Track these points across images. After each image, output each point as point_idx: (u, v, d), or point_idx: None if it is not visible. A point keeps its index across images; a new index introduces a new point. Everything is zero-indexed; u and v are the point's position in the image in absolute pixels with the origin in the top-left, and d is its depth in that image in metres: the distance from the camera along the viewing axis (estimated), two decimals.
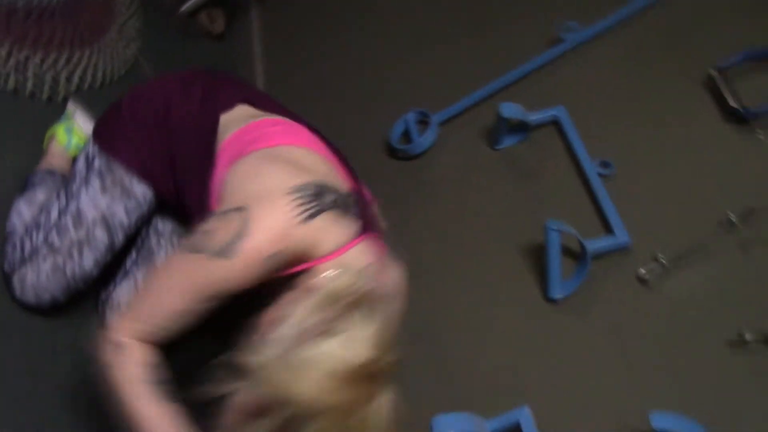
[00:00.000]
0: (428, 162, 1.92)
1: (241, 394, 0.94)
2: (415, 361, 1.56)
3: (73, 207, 1.26)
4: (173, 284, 1.02)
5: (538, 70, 1.87)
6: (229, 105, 1.23)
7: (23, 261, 1.30)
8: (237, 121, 1.20)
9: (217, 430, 0.98)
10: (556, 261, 1.47)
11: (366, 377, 0.93)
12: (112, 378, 1.02)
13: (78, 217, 1.25)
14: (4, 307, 1.31)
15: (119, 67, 1.91)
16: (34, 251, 1.29)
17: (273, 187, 1.03)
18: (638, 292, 1.43)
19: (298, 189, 1.02)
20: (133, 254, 1.42)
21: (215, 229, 1.00)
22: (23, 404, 1.25)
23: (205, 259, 0.98)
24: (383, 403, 0.97)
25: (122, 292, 1.40)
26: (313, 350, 0.93)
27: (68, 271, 1.28)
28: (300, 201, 1.01)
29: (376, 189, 1.80)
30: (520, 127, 1.78)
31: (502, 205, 1.71)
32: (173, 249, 1.44)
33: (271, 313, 1.05)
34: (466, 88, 1.93)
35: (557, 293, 1.49)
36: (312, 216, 1.01)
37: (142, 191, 1.26)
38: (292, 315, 0.96)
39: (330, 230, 1.04)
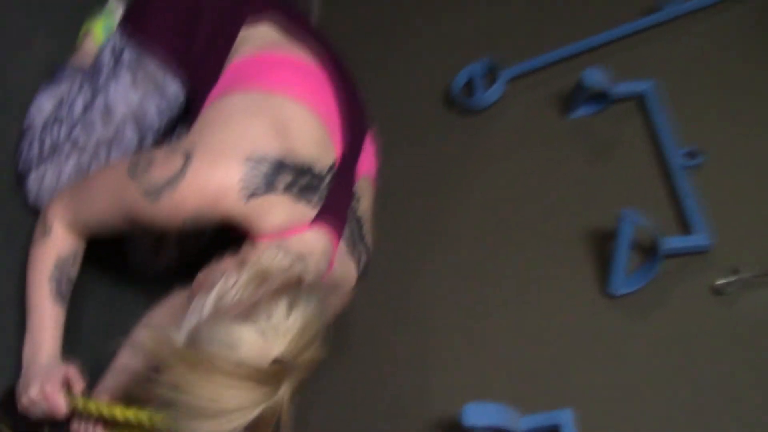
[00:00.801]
0: (488, 121, 1.75)
1: (138, 352, 0.94)
2: (449, 342, 1.44)
3: (100, 101, 1.16)
4: (104, 192, 1.02)
5: (630, 37, 1.68)
6: (256, 18, 1.14)
7: (42, 159, 1.17)
8: (253, 42, 1.12)
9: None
10: (624, 255, 1.32)
11: (269, 379, 0.82)
12: (30, 253, 1.06)
13: (107, 113, 1.15)
14: (15, 212, 1.18)
15: None
16: (56, 148, 1.17)
17: (231, 144, 0.96)
18: (712, 304, 1.27)
19: (255, 160, 0.95)
20: None
21: (156, 163, 0.96)
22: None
23: (134, 190, 0.96)
24: (278, 409, 0.85)
25: None
26: (223, 333, 0.83)
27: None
28: (250, 174, 0.94)
29: (424, 140, 1.65)
30: (600, 98, 1.60)
31: (566, 182, 1.55)
32: None
33: (205, 274, 1.00)
34: (544, 44, 1.75)
35: (618, 289, 1.34)
36: (251, 196, 0.95)
37: (174, 90, 1.17)
38: (215, 286, 0.89)
39: (272, 212, 0.97)
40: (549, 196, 1.55)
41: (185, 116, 1.26)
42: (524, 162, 1.63)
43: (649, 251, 1.35)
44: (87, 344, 1.28)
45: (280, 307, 0.85)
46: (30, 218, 1.20)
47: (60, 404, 0.97)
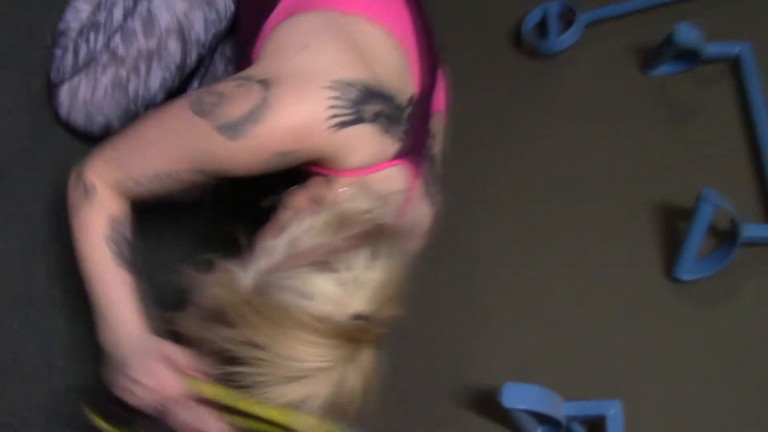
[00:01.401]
0: (558, 68, 1.59)
1: (206, 301, 0.77)
2: (494, 312, 1.34)
3: (142, 8, 1.05)
4: (163, 141, 0.85)
5: None
6: None
7: (77, 69, 1.08)
8: None
9: (172, 322, 0.81)
10: (698, 237, 1.20)
11: (351, 335, 0.74)
12: (74, 222, 0.89)
13: (149, 22, 1.05)
14: (44, 127, 1.09)
15: None
16: (92, 58, 1.08)
17: (315, 70, 0.83)
18: None
19: (341, 86, 0.83)
20: (195, 83, 1.22)
21: (231, 96, 0.82)
22: (45, 245, 1.06)
23: (208, 128, 0.81)
24: (362, 371, 0.77)
25: None
26: (298, 281, 0.74)
27: (131, 89, 1.07)
28: (337, 102, 0.82)
29: (485, 80, 1.52)
30: (687, 56, 1.44)
31: (640, 147, 1.41)
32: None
33: (274, 219, 0.89)
34: None
35: (686, 274, 1.23)
36: (342, 125, 0.83)
37: (225, 1, 1.08)
38: (289, 228, 0.79)
39: (360, 145, 0.86)
40: (618, 160, 1.42)
41: (230, 33, 1.15)
42: (594, 118, 1.49)
43: (724, 236, 1.23)
44: None
45: (361, 256, 0.76)
46: (61, 133, 1.11)
47: (173, 385, 0.79)
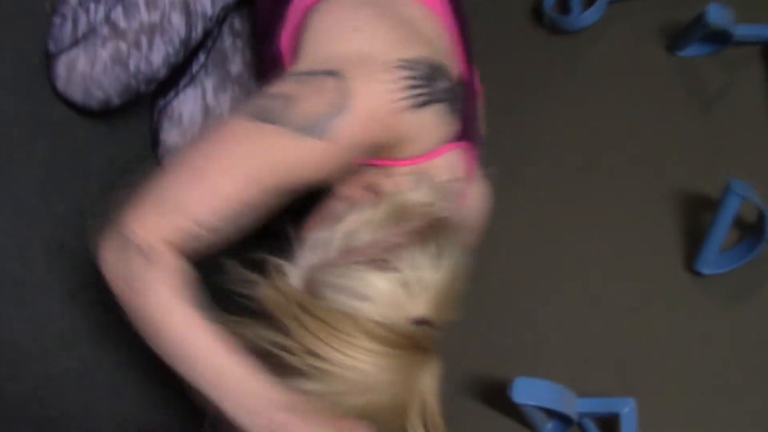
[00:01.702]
0: (580, 45, 1.52)
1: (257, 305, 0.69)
2: (505, 299, 1.29)
3: None
4: (229, 163, 0.71)
5: None
6: None
7: (75, 41, 1.02)
8: None
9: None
10: (722, 230, 1.15)
11: (415, 342, 0.68)
12: (137, 301, 0.68)
13: None
14: (40, 99, 1.03)
15: None
16: (91, 30, 1.01)
17: (374, 52, 0.76)
18: None
19: (409, 64, 0.75)
20: (201, 57, 1.15)
21: (301, 95, 0.72)
22: (40, 221, 1.01)
23: (287, 133, 0.70)
24: (428, 384, 0.70)
25: (186, 101, 1.15)
26: (356, 280, 0.67)
27: (131, 64, 1.00)
28: (409, 82, 0.75)
29: (503, 56, 1.46)
30: (717, 37, 1.37)
31: (664, 131, 1.35)
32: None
33: (324, 208, 0.82)
34: None
35: (708, 267, 1.18)
36: (422, 105, 0.75)
37: None
38: (344, 219, 0.73)
39: (431, 126, 0.78)
40: (641, 144, 1.35)
41: (239, 6, 1.10)
42: (616, 99, 1.43)
43: (750, 229, 1.18)
44: None
45: (424, 254, 0.70)
46: (58, 104, 1.06)
47: None
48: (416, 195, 0.76)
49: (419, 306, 0.68)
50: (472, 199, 0.94)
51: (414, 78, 0.75)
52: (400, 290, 0.68)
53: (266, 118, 0.71)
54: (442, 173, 0.83)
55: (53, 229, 1.02)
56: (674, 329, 1.17)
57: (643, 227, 1.27)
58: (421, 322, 0.68)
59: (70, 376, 1.02)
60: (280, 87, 0.74)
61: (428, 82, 0.77)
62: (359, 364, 0.65)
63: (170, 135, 1.12)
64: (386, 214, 0.73)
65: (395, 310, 0.67)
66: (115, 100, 1.04)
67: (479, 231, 0.99)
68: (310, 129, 0.70)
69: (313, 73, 0.75)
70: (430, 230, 0.71)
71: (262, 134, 0.71)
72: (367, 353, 0.65)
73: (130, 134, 1.16)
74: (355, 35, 0.78)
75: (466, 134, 0.86)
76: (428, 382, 0.70)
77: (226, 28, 1.16)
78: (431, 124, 0.79)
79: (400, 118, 0.75)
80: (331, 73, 0.74)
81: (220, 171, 0.70)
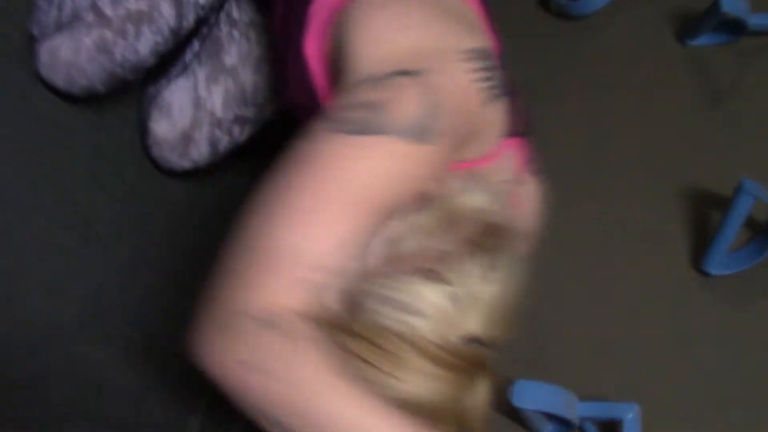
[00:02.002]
0: (588, 31, 1.47)
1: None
2: None
3: None
4: (342, 188, 0.60)
5: None
6: None
7: (59, 27, 0.97)
8: None
9: None
10: (732, 230, 1.11)
11: (468, 363, 0.61)
12: (277, 386, 0.55)
13: None
14: (23, 84, 0.99)
15: None
16: (76, 16, 0.96)
17: (438, 45, 0.69)
18: None
19: (476, 55, 0.69)
20: (195, 44, 1.11)
21: (386, 101, 0.63)
22: (25, 215, 0.98)
23: (397, 143, 0.61)
24: (480, 400, 0.64)
25: (176, 91, 1.10)
26: (402, 293, 0.60)
27: (117, 54, 0.96)
28: (482, 73, 0.69)
29: (508, 42, 1.41)
30: (730, 27, 1.32)
31: (672, 124, 1.30)
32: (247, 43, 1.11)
33: None
34: None
35: (716, 268, 1.14)
36: (495, 97, 0.71)
37: None
38: (387, 224, 0.64)
39: (497, 122, 0.74)
40: (648, 136, 1.31)
41: None
42: (624, 88, 1.37)
43: (760, 229, 1.14)
44: None
45: (478, 265, 0.63)
46: (41, 89, 1.01)
47: None
48: (469, 199, 0.69)
49: (471, 322, 0.61)
50: (526, 202, 0.88)
51: (482, 70, 0.70)
52: (450, 304, 0.61)
53: (360, 129, 0.62)
54: (495, 174, 0.77)
55: (40, 219, 0.98)
56: (680, 332, 1.13)
57: (650, 224, 1.23)
58: (474, 340, 0.61)
59: (56, 372, 1.00)
60: (356, 97, 0.65)
61: (494, 74, 0.71)
62: (412, 389, 0.58)
63: (159, 125, 1.08)
64: (435, 220, 0.66)
65: (448, 326, 0.60)
66: (100, 88, 0.99)
67: (534, 237, 0.91)
68: (414, 134, 0.62)
69: (385, 77, 0.66)
70: (484, 238, 0.65)
71: (368, 148, 0.62)
72: (420, 375, 0.58)
73: (119, 121, 1.12)
74: (409, 31, 0.71)
75: (517, 131, 0.81)
76: (478, 405, 0.64)
77: (223, 16, 1.12)
78: (497, 118, 0.74)
79: (481, 114, 0.70)
80: (407, 73, 0.66)
81: (331, 202, 0.60)
